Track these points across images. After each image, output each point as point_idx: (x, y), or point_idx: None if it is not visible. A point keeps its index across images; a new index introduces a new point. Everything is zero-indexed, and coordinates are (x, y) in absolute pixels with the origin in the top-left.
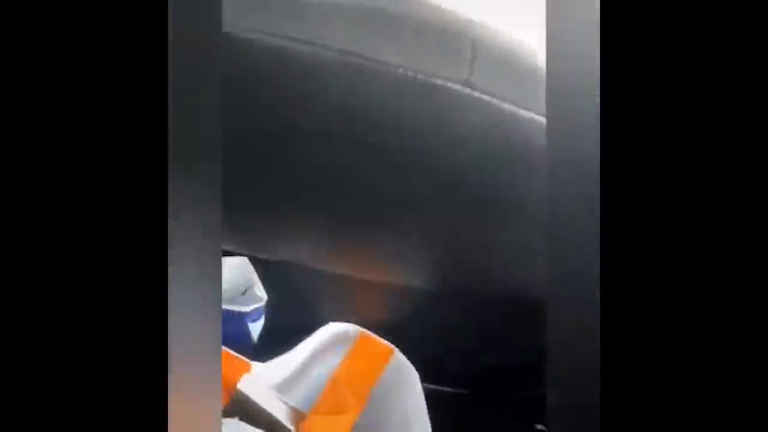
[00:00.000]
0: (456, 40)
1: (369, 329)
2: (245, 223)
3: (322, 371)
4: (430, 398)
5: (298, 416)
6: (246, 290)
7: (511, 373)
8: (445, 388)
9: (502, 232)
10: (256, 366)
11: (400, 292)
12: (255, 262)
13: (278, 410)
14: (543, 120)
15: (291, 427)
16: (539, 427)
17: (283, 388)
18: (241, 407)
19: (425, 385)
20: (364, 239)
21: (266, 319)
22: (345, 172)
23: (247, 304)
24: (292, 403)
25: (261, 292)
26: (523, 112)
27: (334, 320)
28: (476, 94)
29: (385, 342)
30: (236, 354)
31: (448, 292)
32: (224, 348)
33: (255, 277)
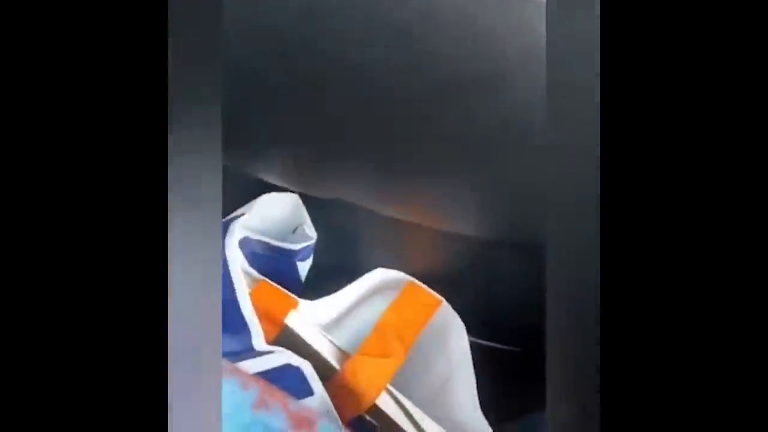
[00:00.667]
0: None
1: (419, 278)
2: (297, 158)
3: (369, 315)
4: (478, 353)
5: (343, 356)
6: (296, 228)
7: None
8: (494, 344)
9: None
10: (304, 304)
11: (452, 240)
12: (306, 199)
13: (324, 348)
14: None
15: (336, 366)
16: None
17: (330, 328)
18: (288, 341)
19: (473, 339)
20: (417, 182)
21: (314, 259)
22: (400, 108)
23: (297, 242)
24: (338, 343)
25: (311, 231)
26: None
27: (382, 265)
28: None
29: (434, 292)
30: (284, 290)
31: (500, 241)
32: (272, 283)
33: (305, 214)
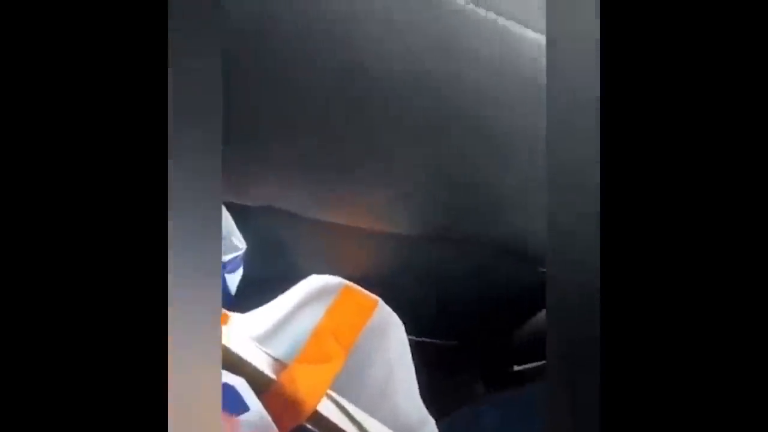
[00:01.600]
0: None
1: (354, 281)
2: (225, 165)
3: (305, 323)
4: (416, 350)
5: (280, 366)
6: (222, 239)
7: (499, 321)
8: (432, 340)
9: (496, 173)
10: (235, 317)
11: (386, 241)
12: (233, 209)
13: (260, 360)
14: None
15: (273, 377)
16: (516, 367)
17: (265, 339)
18: (221, 357)
19: (411, 337)
20: (351, 183)
21: (245, 270)
22: (335, 104)
23: (224, 254)
24: (275, 354)
25: (239, 242)
26: (530, 33)
27: (316, 271)
28: (482, 12)
29: (370, 293)
30: None
31: (431, 237)
32: None
33: (232, 224)
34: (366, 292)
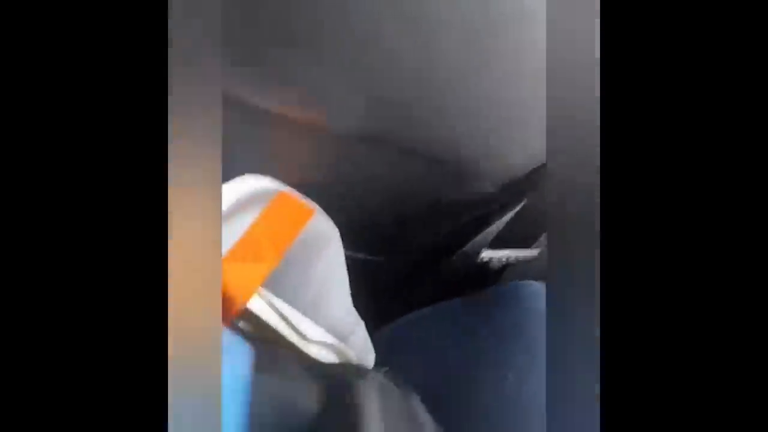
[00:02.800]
0: None
1: (290, 183)
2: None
3: (237, 223)
4: (352, 264)
5: None
6: None
7: (433, 243)
8: (366, 256)
9: (431, 90)
10: None
11: (324, 139)
12: None
13: None
14: None
15: None
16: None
17: None
18: None
19: (348, 252)
20: (290, 70)
21: None
22: None
23: None
24: None
25: None
26: None
27: (249, 165)
28: None
29: (307, 200)
30: None
31: (374, 137)
32: None
33: None
34: (303, 199)
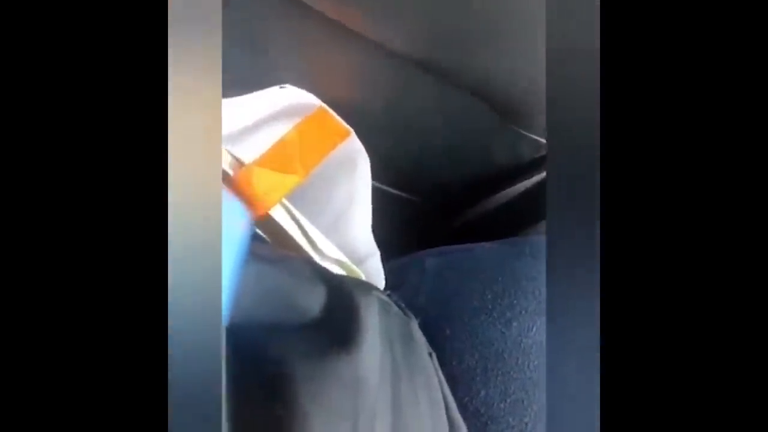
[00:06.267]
0: None
1: (328, 102)
2: None
3: (271, 131)
4: (379, 196)
5: (238, 165)
6: None
7: (464, 187)
8: (395, 191)
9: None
10: None
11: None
12: None
13: None
14: None
15: (230, 172)
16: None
17: (228, 138)
18: None
19: (375, 183)
20: None
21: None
22: None
23: None
24: (235, 153)
25: None
26: None
27: (292, 75)
28: None
29: (343, 122)
30: None
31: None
32: None
33: None
34: (340, 119)
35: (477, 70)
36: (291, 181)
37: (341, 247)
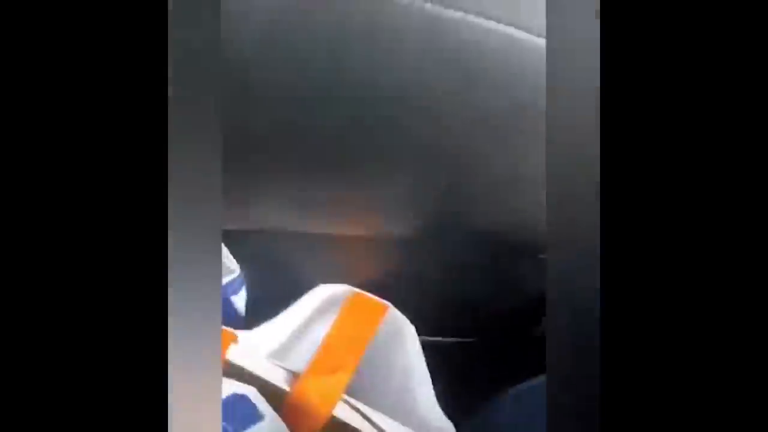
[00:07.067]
0: None
1: (361, 288)
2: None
3: (315, 333)
4: (431, 350)
5: (293, 378)
6: None
7: (509, 315)
8: (446, 339)
9: (484, 167)
10: (243, 335)
11: (383, 245)
12: (230, 235)
13: (271, 373)
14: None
15: (286, 388)
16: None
17: (278, 353)
18: (234, 375)
19: (423, 337)
20: (338, 193)
21: (253, 292)
22: (315, 123)
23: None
24: (287, 366)
25: (232, 263)
26: (521, 33)
27: (322, 283)
28: (468, 17)
29: (379, 299)
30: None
31: (430, 237)
32: None
33: (224, 248)
34: (374, 297)
35: (484, 226)
36: (344, 378)
37: (411, 425)
